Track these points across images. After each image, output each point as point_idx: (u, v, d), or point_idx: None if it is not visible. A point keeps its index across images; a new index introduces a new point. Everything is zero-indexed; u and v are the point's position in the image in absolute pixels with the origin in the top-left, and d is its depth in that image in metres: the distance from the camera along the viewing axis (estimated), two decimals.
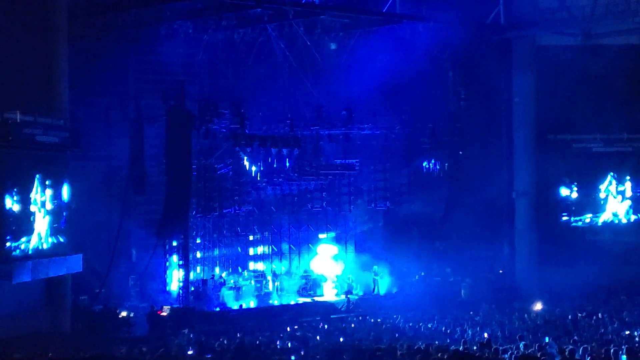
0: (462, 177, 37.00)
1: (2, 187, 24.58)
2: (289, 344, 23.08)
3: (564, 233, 36.48)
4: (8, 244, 24.81)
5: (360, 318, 30.56)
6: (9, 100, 25.41)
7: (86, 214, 29.58)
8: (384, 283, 34.76)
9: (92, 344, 25.55)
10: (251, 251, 35.46)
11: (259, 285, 33.12)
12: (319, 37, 34.72)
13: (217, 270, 33.56)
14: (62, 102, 28.12)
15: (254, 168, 33.63)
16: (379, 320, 29.58)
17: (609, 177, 36.30)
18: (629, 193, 36.34)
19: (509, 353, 17.91)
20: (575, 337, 21.36)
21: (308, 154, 35.17)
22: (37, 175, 25.95)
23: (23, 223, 25.43)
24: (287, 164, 34.18)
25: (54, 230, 26.69)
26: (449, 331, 25.43)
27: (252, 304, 32.16)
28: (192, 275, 31.88)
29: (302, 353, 20.50)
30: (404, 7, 33.01)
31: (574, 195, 36.59)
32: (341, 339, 24.48)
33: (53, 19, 28.12)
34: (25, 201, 25.37)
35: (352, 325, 28.61)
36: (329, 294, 33.99)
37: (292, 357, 20.10)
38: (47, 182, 26.32)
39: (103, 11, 31.17)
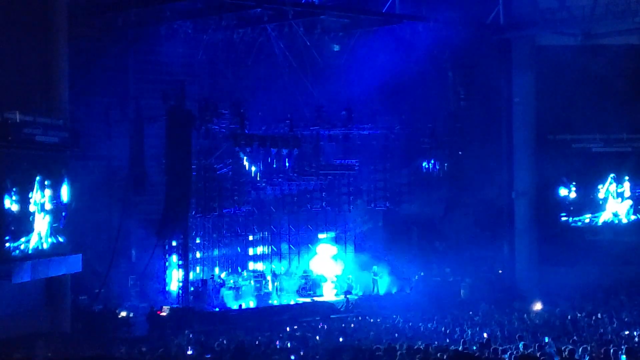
0: (462, 177, 37.00)
1: (1, 187, 24.57)
2: (289, 344, 23.08)
3: (564, 233, 36.49)
4: (7, 244, 24.80)
5: (360, 318, 30.55)
6: (9, 100, 25.42)
7: (86, 214, 29.58)
8: (383, 283, 34.77)
9: (92, 344, 25.56)
10: (251, 251, 35.45)
11: (258, 285, 33.12)
12: (319, 37, 34.74)
13: (216, 270, 33.57)
14: (62, 102, 28.12)
15: (253, 168, 33.64)
16: (378, 320, 29.58)
17: (609, 178, 36.31)
18: (628, 193, 36.35)
19: (508, 353, 17.89)
20: (575, 337, 21.36)
21: (308, 154, 35.18)
22: (37, 176, 25.95)
23: (22, 223, 25.42)
24: (287, 164, 34.19)
25: (53, 230, 26.69)
26: (448, 331, 25.42)
27: (252, 304, 32.17)
28: (191, 275, 31.90)
29: (302, 353, 20.49)
30: (404, 7, 33.03)
31: (573, 195, 36.61)
32: (341, 339, 24.48)
33: (53, 19, 28.14)
34: (24, 201, 25.37)
35: (352, 325, 28.61)
36: (328, 294, 33.99)
37: (292, 357, 20.09)
38: (46, 182, 26.32)
39: (103, 11, 31.20)
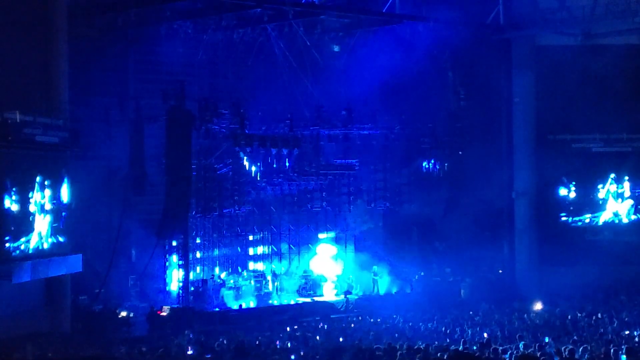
0: (462, 177, 37.00)
1: (1, 187, 24.56)
2: (289, 344, 23.08)
3: (564, 233, 36.49)
4: (7, 244, 24.79)
5: (360, 318, 30.54)
6: (9, 100, 25.41)
7: (86, 214, 29.59)
8: (383, 283, 34.77)
9: (92, 344, 25.54)
10: (251, 251, 35.46)
11: (258, 285, 33.12)
12: (319, 37, 34.79)
13: (216, 270, 33.57)
14: (62, 102, 28.11)
15: (253, 168, 33.65)
16: (378, 320, 29.57)
17: (610, 178, 36.32)
18: (628, 193, 36.35)
19: (508, 353, 17.89)
20: (575, 337, 21.35)
21: (308, 154, 35.18)
22: (37, 176, 25.94)
23: (22, 223, 25.41)
24: (287, 164, 34.19)
25: (53, 230, 26.69)
26: (448, 331, 25.40)
27: (252, 304, 32.17)
28: (191, 275, 31.90)
29: (302, 353, 20.48)
30: (404, 7, 33.02)
31: (572, 195, 36.61)
32: (341, 339, 24.48)
33: (53, 19, 28.13)
34: (24, 201, 25.36)
35: (352, 325, 28.60)
36: (328, 294, 33.99)
37: (292, 357, 20.08)
38: (46, 182, 26.31)
39: (103, 11, 31.20)
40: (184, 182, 31.05)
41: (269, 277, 33.93)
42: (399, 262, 35.82)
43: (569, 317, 26.74)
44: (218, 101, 32.21)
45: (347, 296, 33.18)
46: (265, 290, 33.28)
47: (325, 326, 28.44)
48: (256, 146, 32.82)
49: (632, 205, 36.33)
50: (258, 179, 34.00)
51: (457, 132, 37.35)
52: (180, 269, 31.11)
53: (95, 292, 31.10)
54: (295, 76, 35.63)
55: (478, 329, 25.40)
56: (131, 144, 32.58)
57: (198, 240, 33.45)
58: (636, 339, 21.47)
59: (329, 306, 32.71)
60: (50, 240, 26.57)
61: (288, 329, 27.83)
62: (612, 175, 36.38)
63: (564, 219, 36.63)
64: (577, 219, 36.56)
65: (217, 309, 31.02)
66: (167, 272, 31.61)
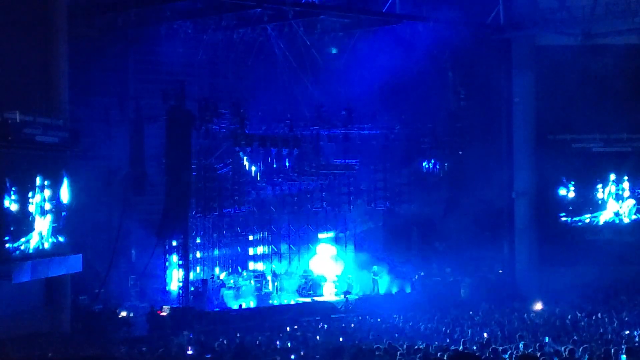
0: (462, 177, 36.99)
1: (1, 187, 24.56)
2: (289, 344, 23.08)
3: (564, 233, 36.49)
4: (7, 244, 24.79)
5: (360, 318, 30.54)
6: (9, 100, 25.41)
7: (86, 214, 29.56)
8: (383, 283, 34.76)
9: (92, 344, 25.55)
10: (251, 251, 35.46)
11: (258, 285, 33.11)
12: (319, 37, 34.77)
13: (216, 270, 33.57)
14: (62, 102, 28.10)
15: (253, 168, 33.66)
16: (378, 320, 29.57)
17: (611, 178, 36.32)
18: (628, 193, 36.35)
19: (508, 353, 17.90)
20: (575, 337, 21.35)
21: (308, 154, 35.17)
22: (37, 176, 25.94)
23: (22, 223, 25.41)
24: (287, 164, 34.19)
25: (53, 230, 26.69)
26: (448, 331, 25.40)
27: (252, 304, 32.16)
28: (191, 275, 31.89)
29: (302, 353, 20.49)
30: (404, 7, 33.02)
31: (571, 195, 36.61)
32: (341, 339, 24.47)
33: (53, 19, 28.12)
34: (24, 201, 25.35)
35: (352, 325, 28.60)
36: (328, 294, 33.99)
37: (292, 357, 20.09)
38: (46, 182, 26.31)
39: (103, 11, 31.20)
40: (184, 182, 31.04)
41: (269, 277, 33.92)
42: (398, 262, 35.80)
43: (569, 317, 26.75)
44: (218, 101, 32.21)
45: (347, 296, 33.18)
46: (265, 290, 33.26)
47: (325, 326, 28.44)
48: (256, 146, 32.83)
49: (634, 205, 36.33)
50: (258, 179, 34.00)
51: (457, 132, 37.34)
52: (180, 269, 31.09)
53: (95, 292, 31.09)
54: (295, 76, 35.64)
55: (478, 329, 25.40)
56: (131, 144, 32.58)
57: (198, 240, 33.45)
58: (636, 339, 21.49)
59: (329, 306, 32.70)
60: (50, 240, 26.57)
61: (288, 329, 27.81)
62: (613, 177, 36.39)
63: (563, 219, 36.63)
64: (577, 219, 36.57)
65: (217, 309, 31.01)
66: (167, 272, 31.61)
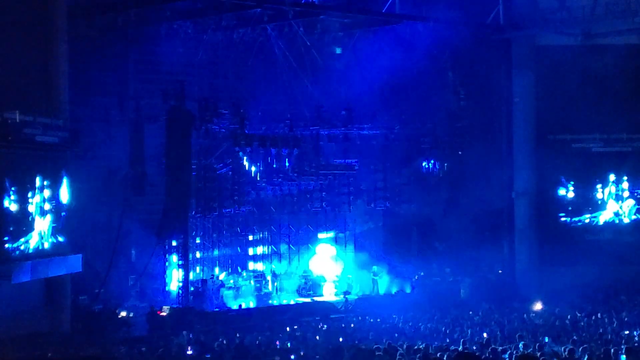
0: (462, 177, 36.98)
1: (1, 187, 24.55)
2: (289, 344, 23.08)
3: (564, 233, 36.50)
4: (7, 244, 24.78)
5: (359, 318, 30.55)
6: (9, 100, 25.40)
7: (86, 214, 29.57)
8: (383, 283, 34.77)
9: (92, 344, 25.55)
10: (250, 251, 35.46)
11: (258, 285, 33.12)
12: (319, 37, 34.75)
13: (216, 270, 33.58)
14: (62, 102, 28.09)
15: (253, 168, 33.67)
16: (378, 320, 29.58)
17: (610, 178, 36.32)
18: (628, 193, 36.36)
19: (508, 353, 17.90)
20: (575, 337, 21.35)
21: (307, 154, 35.17)
22: (37, 176, 25.93)
23: (22, 223, 25.38)
24: (287, 164, 34.19)
25: (53, 230, 26.68)
26: (448, 331, 25.40)
27: (252, 304, 32.17)
28: (191, 275, 31.90)
29: (302, 353, 20.49)
30: (404, 7, 33.01)
31: (571, 195, 36.62)
32: (341, 339, 24.48)
33: (53, 19, 28.10)
34: (24, 201, 25.34)
35: (352, 325, 28.60)
36: (328, 294, 33.99)
37: (292, 357, 20.09)
38: (46, 182, 26.29)
39: (103, 11, 31.18)
40: (184, 182, 31.06)
41: (268, 277, 33.94)
42: (398, 262, 35.81)
43: (569, 317, 26.76)
44: (218, 101, 32.21)
45: (347, 296, 33.18)
46: (265, 291, 33.29)
47: (325, 326, 28.43)
48: (256, 146, 32.84)
49: (634, 205, 36.33)
50: (258, 179, 34.00)
51: (457, 132, 37.32)
52: (180, 269, 31.10)
53: (95, 292, 31.08)
54: (295, 76, 35.61)
55: (478, 329, 25.41)
56: (131, 144, 32.56)
57: (198, 240, 33.46)
58: (636, 339, 21.51)
59: (328, 306, 32.71)
60: (50, 240, 26.56)
61: (288, 329, 27.81)
62: (612, 177, 36.39)
63: (563, 219, 36.64)
64: (576, 219, 36.57)
65: (217, 309, 31.01)
66: (167, 272, 31.60)
